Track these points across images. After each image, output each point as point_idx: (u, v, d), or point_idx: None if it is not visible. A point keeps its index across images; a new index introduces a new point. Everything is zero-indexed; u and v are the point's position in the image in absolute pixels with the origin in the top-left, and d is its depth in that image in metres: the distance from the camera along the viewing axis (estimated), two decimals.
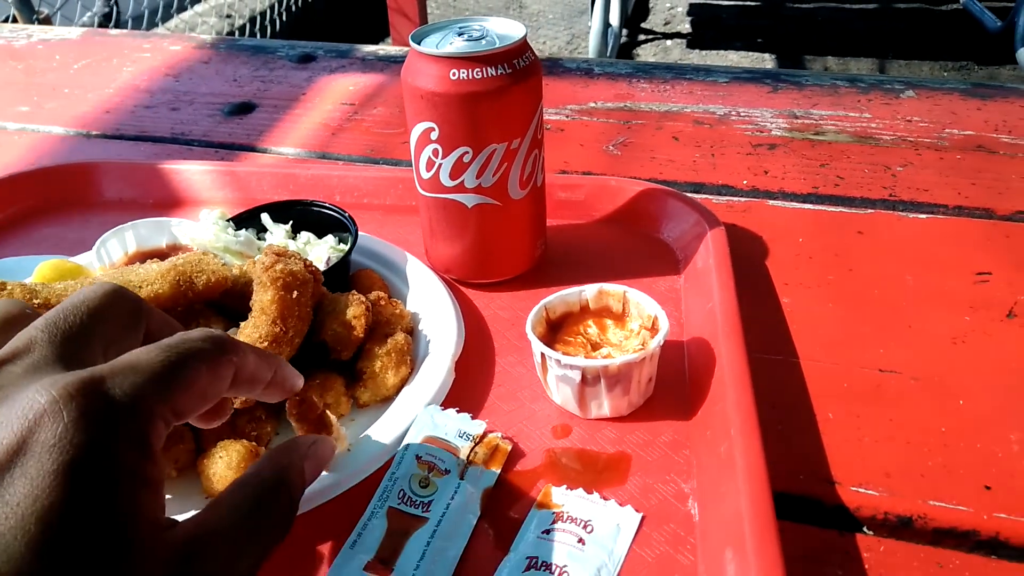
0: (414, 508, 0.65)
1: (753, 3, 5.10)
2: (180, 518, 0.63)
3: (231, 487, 0.50)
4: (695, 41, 4.66)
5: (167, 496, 0.68)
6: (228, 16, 4.35)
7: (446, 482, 0.67)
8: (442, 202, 0.89)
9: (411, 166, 0.86)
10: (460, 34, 0.83)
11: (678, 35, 4.77)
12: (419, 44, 0.83)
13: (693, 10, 5.04)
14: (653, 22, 4.95)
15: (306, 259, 0.78)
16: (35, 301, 0.67)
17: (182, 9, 4.17)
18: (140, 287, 0.70)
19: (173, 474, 0.67)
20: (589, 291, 0.80)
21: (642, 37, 4.75)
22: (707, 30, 4.79)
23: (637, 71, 1.51)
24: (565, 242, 1.00)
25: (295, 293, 0.73)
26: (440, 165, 0.86)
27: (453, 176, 0.86)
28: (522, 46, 0.83)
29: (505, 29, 0.84)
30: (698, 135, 1.27)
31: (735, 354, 0.74)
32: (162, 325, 0.55)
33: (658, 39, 4.72)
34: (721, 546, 0.60)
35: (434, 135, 0.84)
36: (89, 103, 1.48)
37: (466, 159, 0.85)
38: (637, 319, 0.78)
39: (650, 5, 5.14)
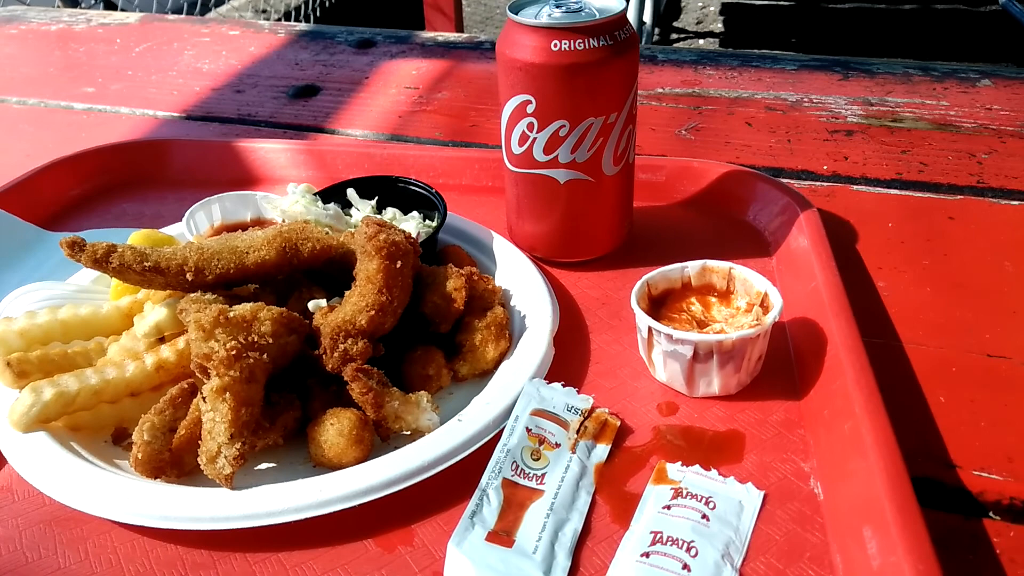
0: (528, 480, 0.63)
1: (787, 3, 5.05)
2: (288, 486, 0.62)
3: None
4: (728, 40, 4.61)
5: (272, 464, 0.67)
6: (264, 11, 4.37)
7: (557, 455, 0.66)
8: (533, 178, 0.87)
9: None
10: (558, 6, 0.82)
11: (710, 34, 4.73)
12: (516, 15, 0.81)
13: (726, 10, 5.00)
14: (685, 21, 4.92)
15: (405, 231, 0.77)
16: (146, 263, 0.66)
17: (219, 4, 4.20)
18: (247, 253, 0.69)
19: (280, 442, 0.66)
20: (692, 267, 0.78)
21: (674, 36, 4.72)
22: (740, 30, 4.75)
23: (703, 58, 1.49)
24: (648, 223, 0.98)
25: (399, 263, 0.72)
26: (534, 140, 0.84)
27: (547, 151, 0.85)
28: (621, 18, 0.81)
29: (602, 1, 0.83)
30: (772, 121, 1.25)
31: (847, 332, 0.72)
32: None
33: (690, 38, 4.69)
34: (856, 525, 0.58)
35: (530, 108, 0.83)
36: (154, 84, 1.48)
37: (562, 133, 0.83)
38: (744, 296, 0.76)
39: (682, 4, 5.11)
